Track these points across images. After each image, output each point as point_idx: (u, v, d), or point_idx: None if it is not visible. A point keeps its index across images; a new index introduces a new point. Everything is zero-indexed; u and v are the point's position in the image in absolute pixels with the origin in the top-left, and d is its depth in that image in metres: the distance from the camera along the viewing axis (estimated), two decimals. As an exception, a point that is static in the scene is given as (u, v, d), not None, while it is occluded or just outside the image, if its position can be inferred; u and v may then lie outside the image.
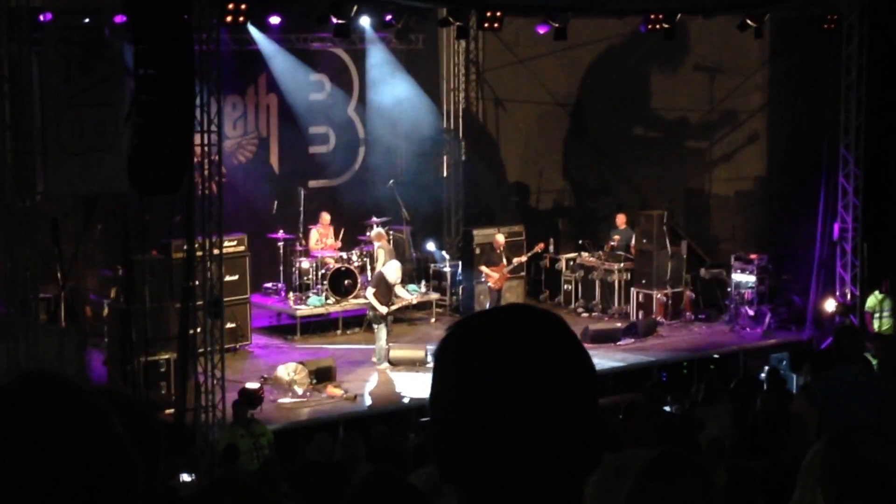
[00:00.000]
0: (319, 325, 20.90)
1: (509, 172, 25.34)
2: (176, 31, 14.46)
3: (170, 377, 16.78)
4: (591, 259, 22.71)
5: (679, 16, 20.17)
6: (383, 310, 18.89)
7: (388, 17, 21.59)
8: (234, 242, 19.21)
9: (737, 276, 21.73)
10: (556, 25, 20.03)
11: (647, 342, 20.64)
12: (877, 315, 18.66)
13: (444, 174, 24.48)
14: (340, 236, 21.47)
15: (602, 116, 24.84)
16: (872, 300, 18.84)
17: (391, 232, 21.87)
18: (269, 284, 21.30)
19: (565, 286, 23.03)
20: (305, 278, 20.97)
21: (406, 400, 17.51)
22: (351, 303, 20.80)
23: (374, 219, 21.60)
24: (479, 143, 24.93)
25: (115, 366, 16.97)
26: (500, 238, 21.64)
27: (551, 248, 23.13)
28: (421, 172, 23.37)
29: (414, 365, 18.77)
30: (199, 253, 16.01)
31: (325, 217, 21.50)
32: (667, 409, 14.71)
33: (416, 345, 19.54)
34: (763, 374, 17.63)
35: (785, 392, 15.12)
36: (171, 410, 16.16)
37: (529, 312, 2.00)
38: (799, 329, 21.23)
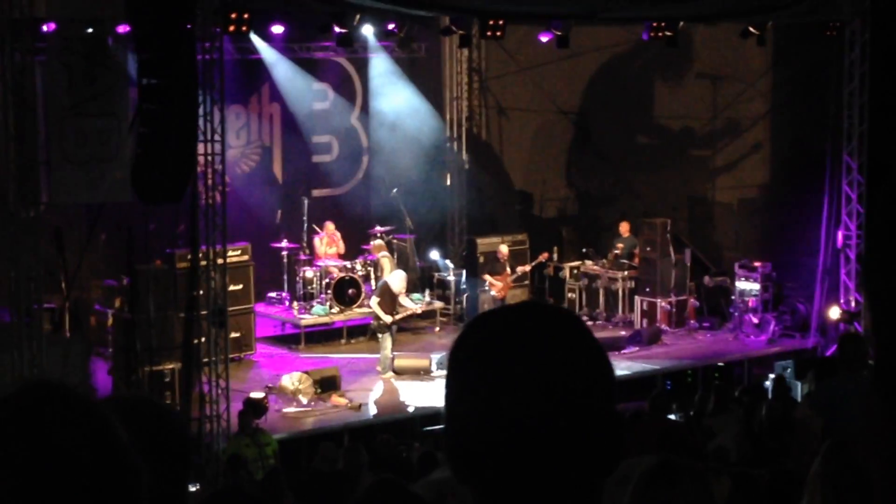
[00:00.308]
0: (324, 335, 20.90)
1: (513, 181, 25.35)
2: (179, 41, 14.47)
3: (174, 387, 16.78)
4: (595, 267, 22.71)
5: (681, 24, 20.16)
6: (388, 319, 18.89)
7: (391, 26, 21.59)
8: (238, 252, 19.23)
9: (741, 284, 21.72)
10: (559, 34, 20.03)
11: (652, 350, 20.63)
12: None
13: (448, 183, 24.48)
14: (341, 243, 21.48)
15: (605, 124, 24.84)
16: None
17: (394, 241, 21.88)
18: (273, 294, 21.31)
19: (569, 294, 23.02)
20: (309, 287, 20.98)
21: (410, 409, 17.50)
22: (355, 312, 20.79)
23: (378, 228, 21.62)
24: (483, 151, 24.93)
25: (119, 376, 16.97)
26: (504, 249, 21.66)
27: (555, 256, 23.13)
28: (424, 181, 23.37)
29: (418, 374, 18.76)
30: (203, 262, 16.02)
31: (330, 226, 21.51)
32: (671, 417, 14.69)
33: (421, 354, 19.54)
34: (768, 382, 17.61)
35: (789, 400, 15.10)
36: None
37: (546, 310, 1.99)
38: (803, 336, 21.21)
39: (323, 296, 20.80)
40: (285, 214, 21.54)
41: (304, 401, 17.26)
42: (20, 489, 1.63)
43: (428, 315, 21.77)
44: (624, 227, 22.76)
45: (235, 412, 15.34)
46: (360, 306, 20.73)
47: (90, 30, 15.58)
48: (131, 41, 15.20)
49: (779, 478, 7.88)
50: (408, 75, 23.47)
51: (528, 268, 22.06)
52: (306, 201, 21.50)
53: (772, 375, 17.94)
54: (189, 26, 14.74)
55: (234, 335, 18.30)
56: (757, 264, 21.65)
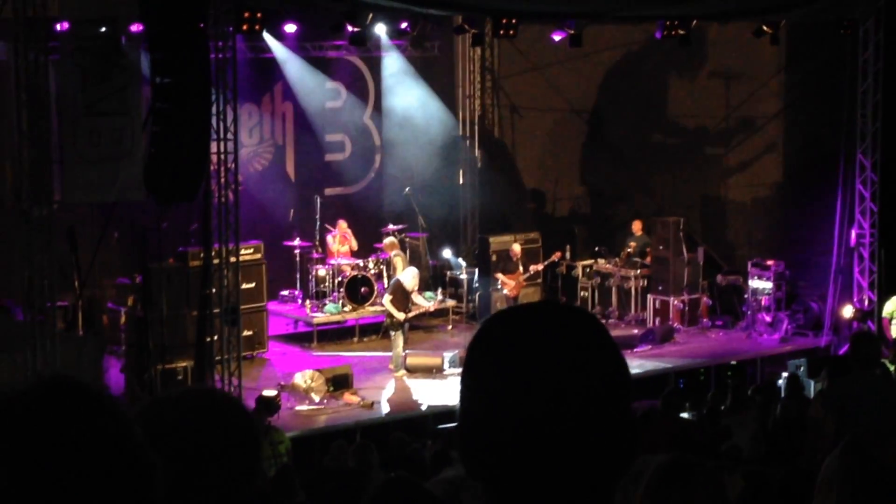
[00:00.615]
0: (336, 333, 20.92)
1: (525, 179, 25.34)
2: (192, 40, 14.49)
3: (187, 385, 16.79)
4: (608, 266, 22.70)
5: (695, 22, 20.13)
6: (401, 317, 18.89)
7: (404, 25, 21.59)
8: (251, 250, 19.26)
9: (754, 283, 21.69)
10: (572, 32, 20.02)
11: (664, 349, 20.61)
12: (894, 321, 18.59)
13: (461, 181, 24.49)
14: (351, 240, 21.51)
15: (618, 123, 24.82)
16: (890, 306, 18.75)
17: (407, 239, 21.89)
18: (285, 292, 21.33)
19: (582, 293, 23.01)
20: (322, 286, 21.00)
21: (423, 407, 17.49)
22: (367, 310, 20.81)
23: (391, 227, 21.63)
24: (495, 150, 24.93)
25: (132, 374, 17.00)
26: (517, 247, 21.65)
27: (567, 255, 23.12)
28: (437, 180, 23.38)
29: (431, 372, 18.77)
30: (216, 261, 16.05)
31: (342, 224, 21.53)
32: (684, 415, 14.68)
33: (433, 352, 19.54)
34: (781, 381, 17.59)
35: (803, 398, 15.07)
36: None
37: (563, 309, 1.99)
38: (816, 335, 21.17)
39: (335, 294, 20.82)
40: (298, 213, 21.57)
41: (317, 399, 17.27)
42: (35, 482, 1.63)
43: (440, 313, 21.78)
44: (637, 226, 22.75)
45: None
46: (372, 304, 20.75)
47: (103, 29, 15.61)
48: (144, 40, 15.23)
49: (792, 477, 7.87)
50: (421, 74, 23.47)
51: (540, 267, 22.06)
52: (319, 200, 21.52)
53: (785, 374, 17.91)
54: (202, 25, 14.76)
55: (246, 333, 18.32)
56: (770, 263, 21.62)
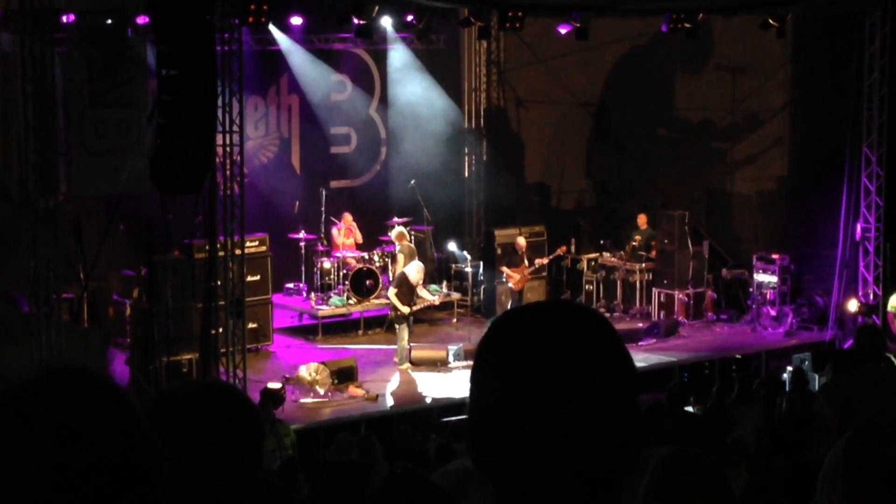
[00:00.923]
0: (341, 326, 20.93)
1: (531, 173, 25.33)
2: (198, 32, 14.50)
3: (191, 377, 16.81)
4: (613, 259, 22.69)
5: (701, 15, 20.11)
6: (406, 310, 18.90)
7: (410, 18, 21.59)
8: (256, 243, 19.25)
9: (759, 277, 21.68)
10: (578, 25, 20.00)
11: (669, 342, 20.61)
12: (899, 315, 18.60)
13: (466, 174, 24.49)
14: (357, 231, 21.51)
15: (624, 117, 24.81)
16: (895, 300, 18.77)
17: (413, 232, 21.89)
18: (290, 285, 21.33)
19: (587, 286, 23.00)
20: (327, 278, 20.99)
21: (428, 400, 17.51)
22: (373, 303, 20.82)
23: (396, 219, 21.63)
24: (501, 143, 24.92)
25: (137, 366, 17.02)
26: (522, 241, 21.64)
27: (573, 248, 23.12)
28: (442, 172, 23.35)
29: (435, 365, 18.77)
30: (221, 253, 16.06)
31: (348, 217, 21.53)
32: (689, 409, 14.68)
33: (438, 345, 19.55)
34: (786, 375, 17.58)
35: (808, 392, 15.07)
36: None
37: (570, 308, 2.02)
38: (821, 329, 21.16)
39: (340, 287, 20.83)
40: (303, 205, 21.56)
41: (322, 391, 17.28)
42: (42, 470, 1.64)
43: (445, 307, 21.78)
44: (642, 219, 22.75)
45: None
46: (377, 297, 20.76)
47: (110, 21, 15.63)
48: (151, 32, 15.24)
49: (797, 470, 7.88)
50: (426, 67, 23.45)
51: (545, 260, 22.06)
52: (324, 192, 21.52)
53: (789, 368, 17.90)
54: (208, 18, 14.76)
55: (251, 326, 18.34)
56: (775, 257, 21.60)
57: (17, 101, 15.26)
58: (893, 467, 3.67)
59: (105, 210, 18.62)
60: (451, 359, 18.70)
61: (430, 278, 21.30)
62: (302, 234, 20.99)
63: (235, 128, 15.94)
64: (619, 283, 22.53)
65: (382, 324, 20.75)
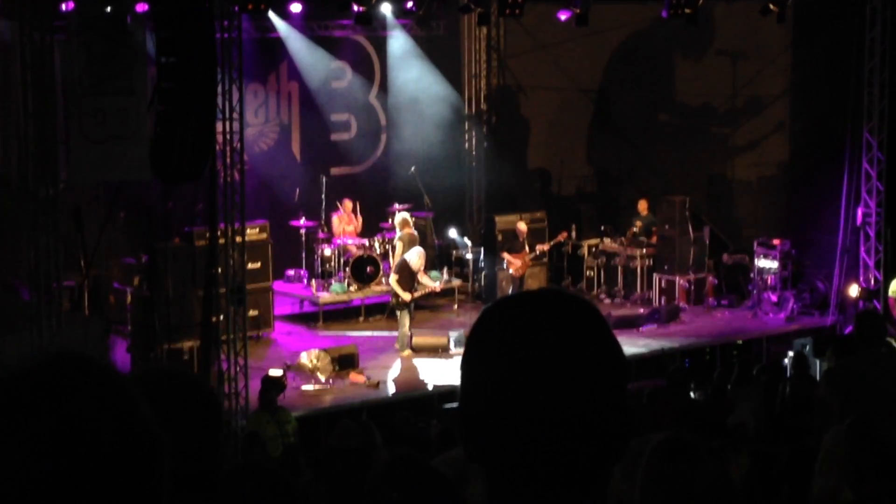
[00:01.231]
0: (342, 313, 20.94)
1: (531, 159, 25.32)
2: (197, 19, 14.47)
3: (193, 365, 16.81)
4: (614, 245, 22.68)
5: (701, 1, 20.08)
6: (407, 296, 18.90)
7: (409, 4, 21.57)
8: (257, 230, 19.26)
9: (760, 262, 21.67)
10: (578, 11, 19.97)
11: (670, 328, 20.62)
12: (900, 300, 18.57)
13: (466, 161, 24.49)
14: (360, 221, 21.48)
15: (624, 102, 24.79)
16: (896, 285, 18.75)
17: (413, 218, 21.89)
18: (291, 272, 21.33)
19: (588, 272, 23.00)
20: (327, 265, 21.00)
21: (429, 386, 17.52)
22: (373, 290, 20.83)
23: (397, 206, 21.62)
24: (501, 129, 24.90)
25: (138, 353, 17.03)
26: (523, 226, 21.63)
27: (573, 234, 23.11)
28: (443, 159, 23.35)
29: (436, 351, 18.79)
30: (222, 240, 16.05)
31: (348, 204, 21.52)
32: (690, 394, 14.70)
33: (439, 331, 19.56)
34: (786, 360, 17.59)
35: (808, 377, 15.08)
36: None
37: (562, 297, 2.02)
38: (822, 314, 21.17)
39: (341, 273, 20.83)
40: (303, 192, 21.55)
41: (323, 378, 17.30)
42: (41, 460, 1.64)
43: (446, 293, 21.79)
44: (643, 205, 22.74)
45: (254, 389, 15.38)
46: (378, 284, 20.76)
47: (109, 9, 15.61)
48: (150, 20, 15.22)
49: (798, 455, 7.88)
50: (426, 53, 23.43)
51: (546, 247, 22.05)
52: (325, 179, 21.52)
53: (790, 353, 17.91)
54: (207, 5, 14.74)
55: (252, 313, 18.34)
56: (776, 242, 21.59)
57: (17, 89, 15.25)
58: (893, 451, 3.67)
59: (105, 198, 18.60)
60: (452, 345, 18.71)
61: (431, 265, 21.30)
62: (302, 221, 20.98)
63: (235, 115, 15.92)
64: (619, 268, 22.53)
65: (383, 310, 20.76)
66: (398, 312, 19.16)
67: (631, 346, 18.79)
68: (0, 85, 18.80)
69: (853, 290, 20.62)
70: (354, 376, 17.55)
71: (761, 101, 24.41)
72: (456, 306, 21.87)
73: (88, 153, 15.27)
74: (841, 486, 3.79)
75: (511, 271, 21.36)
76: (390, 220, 21.48)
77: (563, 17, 20.65)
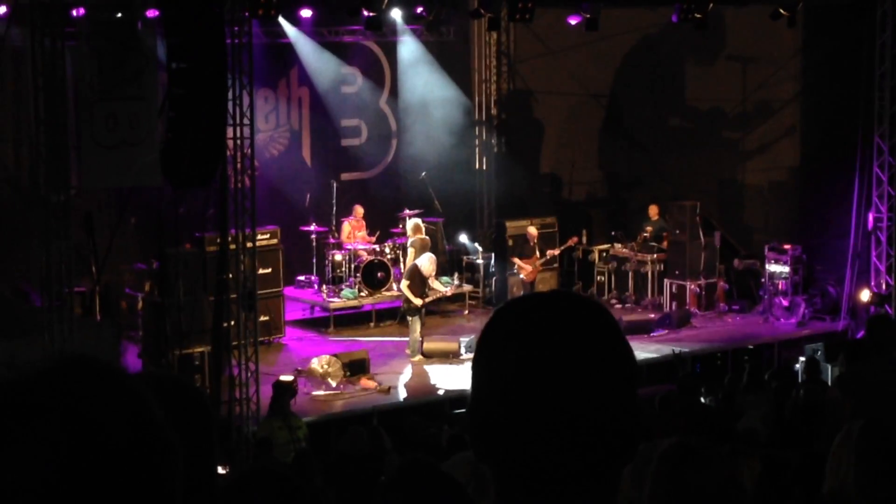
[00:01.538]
0: (353, 318, 20.95)
1: (542, 164, 25.32)
2: (208, 25, 14.49)
3: (204, 370, 16.85)
4: (624, 250, 22.66)
5: (711, 5, 20.07)
6: (418, 302, 18.90)
7: (420, 10, 21.57)
8: (267, 235, 19.28)
9: (771, 267, 21.64)
10: (588, 16, 19.98)
11: (681, 333, 20.59)
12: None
13: (477, 166, 24.49)
14: (377, 236, 21.46)
15: (635, 107, 24.78)
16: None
17: (424, 224, 21.90)
18: (302, 277, 21.35)
19: (598, 277, 22.98)
20: (338, 271, 21.01)
21: (440, 392, 17.52)
22: (384, 295, 20.83)
23: (407, 211, 21.62)
24: (512, 134, 24.90)
25: (149, 359, 17.05)
26: (533, 230, 21.64)
27: (584, 239, 23.10)
28: (453, 164, 23.35)
29: (447, 357, 18.78)
30: (233, 246, 16.07)
31: (359, 210, 21.53)
32: (701, 400, 14.68)
33: (450, 337, 19.56)
34: (798, 365, 17.57)
35: (820, 382, 15.06)
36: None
37: (572, 299, 2.03)
38: (833, 319, 21.13)
39: (352, 279, 20.84)
40: (314, 198, 21.57)
41: (334, 384, 17.30)
42: (55, 462, 1.64)
43: (457, 298, 21.79)
44: (653, 210, 22.72)
45: (265, 395, 15.39)
46: (388, 289, 20.76)
47: (120, 14, 15.63)
48: (160, 25, 15.24)
49: (809, 460, 7.86)
50: (436, 59, 23.44)
51: (556, 251, 22.04)
52: (335, 185, 21.53)
53: (802, 358, 17.88)
54: (218, 10, 14.76)
55: (263, 318, 18.35)
56: (787, 247, 21.56)
57: (28, 94, 15.28)
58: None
59: (116, 203, 18.63)
60: (463, 350, 18.70)
61: (442, 270, 21.30)
62: (313, 227, 20.99)
63: (246, 120, 15.94)
64: (630, 273, 22.51)
65: (394, 316, 20.77)
66: (409, 318, 19.16)
67: (642, 351, 18.77)
68: (12, 91, 18.87)
69: (864, 295, 20.58)
70: (365, 382, 17.55)
71: (772, 106, 24.39)
72: (467, 311, 21.87)
73: (100, 159, 15.28)
74: (849, 488, 3.79)
75: (522, 276, 21.36)
76: (401, 226, 21.49)
77: (573, 21, 20.66)
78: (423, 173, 22.55)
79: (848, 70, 21.18)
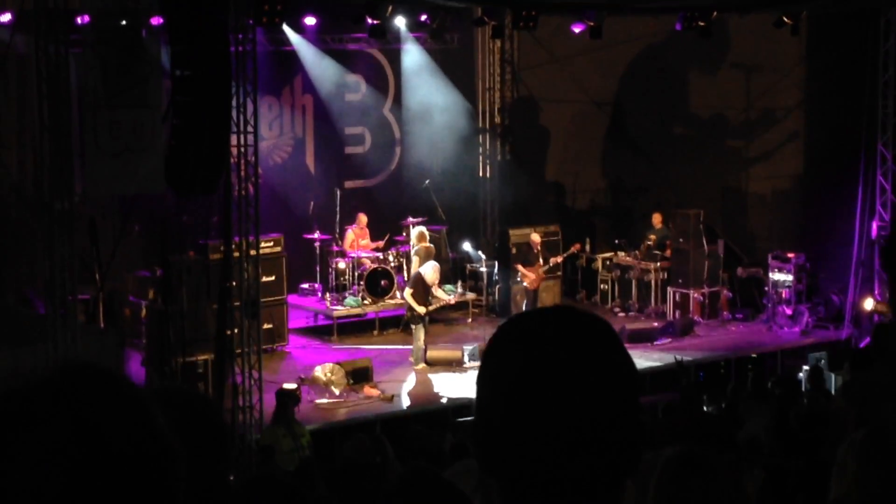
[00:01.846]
0: (356, 326, 20.94)
1: (545, 172, 25.33)
2: (212, 33, 14.51)
3: (207, 378, 16.83)
4: (628, 258, 22.66)
5: (715, 14, 20.07)
6: (421, 310, 18.89)
7: (424, 17, 21.61)
8: (271, 243, 19.29)
9: (774, 275, 21.62)
10: (591, 24, 19.98)
11: (684, 341, 20.57)
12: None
13: (480, 174, 24.49)
14: (384, 241, 21.47)
15: (639, 115, 24.78)
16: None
17: (428, 232, 21.91)
18: (305, 285, 21.35)
19: (602, 286, 22.99)
20: (342, 279, 21.01)
21: (443, 400, 17.50)
22: (388, 303, 20.83)
23: (411, 219, 21.62)
24: (515, 142, 24.91)
25: (152, 367, 17.04)
26: (536, 237, 21.62)
27: (587, 247, 23.09)
28: (457, 172, 23.37)
29: (451, 365, 18.77)
30: (236, 253, 16.06)
31: (363, 218, 21.53)
32: (704, 408, 14.66)
33: (453, 345, 19.55)
34: (801, 374, 17.55)
35: (824, 391, 15.05)
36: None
37: (574, 314, 2.05)
38: (837, 328, 21.12)
39: (355, 287, 20.84)
40: (318, 206, 21.57)
41: (337, 392, 17.29)
42: (58, 469, 1.64)
43: (460, 306, 21.77)
44: (657, 218, 22.71)
45: (268, 403, 15.38)
46: (392, 297, 20.76)
47: (124, 22, 15.63)
48: (165, 33, 15.25)
49: (813, 469, 7.86)
50: (440, 66, 23.46)
51: (560, 258, 22.03)
52: (339, 192, 21.53)
53: (805, 367, 17.87)
54: (222, 18, 14.77)
55: (266, 326, 18.36)
56: (790, 255, 21.55)
57: (33, 102, 15.29)
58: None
59: (120, 211, 18.64)
60: (466, 359, 18.69)
61: (445, 278, 21.29)
62: (317, 235, 21.00)
63: (250, 128, 15.94)
64: (634, 282, 22.51)
65: (398, 324, 20.76)
66: (413, 326, 19.15)
67: (645, 359, 18.76)
68: (16, 98, 18.88)
69: (868, 304, 20.58)
70: (368, 390, 17.54)
71: (775, 114, 24.38)
72: (470, 320, 21.86)
73: (104, 166, 15.28)
74: (853, 498, 3.77)
75: (525, 284, 21.34)
76: (404, 234, 21.49)
77: (577, 29, 20.65)
78: (427, 181, 22.55)
79: (851, 78, 21.18)
